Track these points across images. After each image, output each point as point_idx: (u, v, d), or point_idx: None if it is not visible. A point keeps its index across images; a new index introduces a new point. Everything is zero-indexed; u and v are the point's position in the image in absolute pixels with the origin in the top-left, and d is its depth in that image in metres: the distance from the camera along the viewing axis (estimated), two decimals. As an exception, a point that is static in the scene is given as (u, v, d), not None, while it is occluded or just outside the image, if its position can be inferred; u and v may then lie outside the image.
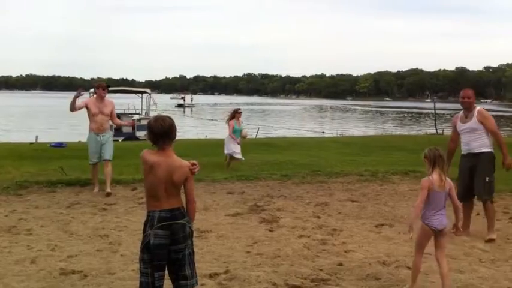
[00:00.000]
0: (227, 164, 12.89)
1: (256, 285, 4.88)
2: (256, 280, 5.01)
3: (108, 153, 9.44)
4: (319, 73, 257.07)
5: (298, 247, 6.19)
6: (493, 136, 6.92)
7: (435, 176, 4.76)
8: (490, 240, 6.51)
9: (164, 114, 4.06)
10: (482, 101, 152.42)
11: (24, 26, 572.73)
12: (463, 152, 7.07)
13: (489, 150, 6.86)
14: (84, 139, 24.93)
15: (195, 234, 6.57)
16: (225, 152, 13.15)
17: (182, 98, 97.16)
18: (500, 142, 6.87)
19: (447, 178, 4.81)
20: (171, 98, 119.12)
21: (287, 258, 5.76)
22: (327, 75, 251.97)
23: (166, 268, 3.85)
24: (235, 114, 13.23)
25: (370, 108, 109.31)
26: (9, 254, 5.78)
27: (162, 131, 3.83)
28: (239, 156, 12.93)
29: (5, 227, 6.86)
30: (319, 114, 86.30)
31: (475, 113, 6.90)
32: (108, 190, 9.01)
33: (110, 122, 9.75)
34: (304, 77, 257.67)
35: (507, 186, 9.71)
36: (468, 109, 7.00)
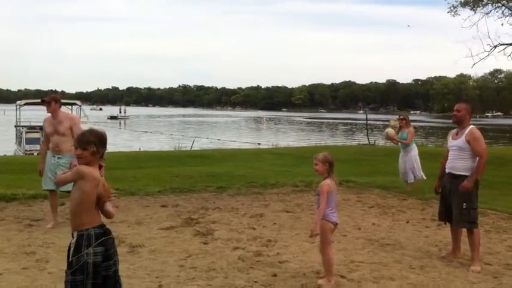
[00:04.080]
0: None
1: (190, 300, 4.79)
2: (189, 294, 4.92)
3: None
4: (254, 85, 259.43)
5: (233, 259, 6.14)
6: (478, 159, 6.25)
7: (330, 179, 5.35)
8: (474, 272, 5.86)
9: (95, 126, 3.96)
10: (411, 112, 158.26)
11: None
12: (446, 170, 6.50)
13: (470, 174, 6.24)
14: (9, 153, 24.12)
15: (127, 249, 6.46)
16: (413, 177, 11.40)
17: (100, 109, 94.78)
18: (478, 167, 6.20)
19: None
20: (90, 109, 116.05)
21: (221, 271, 5.69)
22: (263, 87, 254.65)
23: None
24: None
25: (305, 120, 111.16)
26: None
27: (105, 141, 3.75)
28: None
29: None
30: (255, 125, 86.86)
31: (466, 131, 6.29)
32: None
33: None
34: (240, 88, 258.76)
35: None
36: (458, 124, 6.42)
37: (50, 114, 7.94)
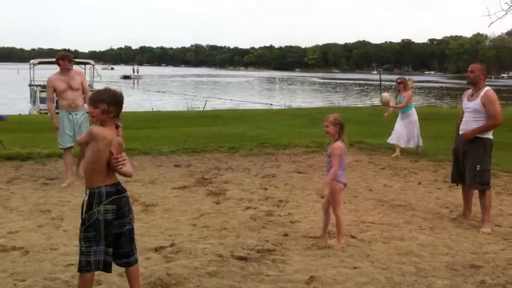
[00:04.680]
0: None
1: (203, 257, 4.86)
2: (202, 252, 5.00)
3: None
4: (267, 45, 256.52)
5: (245, 219, 6.22)
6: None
7: (341, 141, 5.38)
8: (484, 233, 5.90)
9: (108, 86, 3.90)
10: (426, 72, 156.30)
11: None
12: (460, 132, 6.43)
13: (486, 136, 6.20)
14: (24, 112, 24.29)
15: (140, 208, 6.56)
16: (410, 144, 11.10)
17: (112, 68, 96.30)
18: (487, 124, 6.13)
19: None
20: (102, 68, 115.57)
21: (233, 230, 5.77)
22: (276, 47, 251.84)
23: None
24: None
25: (318, 80, 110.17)
26: None
27: (118, 100, 3.68)
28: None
29: None
30: (268, 86, 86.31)
31: (482, 93, 6.16)
32: None
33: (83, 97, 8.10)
34: (252, 48, 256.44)
35: (448, 156, 10.03)
36: (473, 85, 6.31)
37: (55, 72, 8.15)
